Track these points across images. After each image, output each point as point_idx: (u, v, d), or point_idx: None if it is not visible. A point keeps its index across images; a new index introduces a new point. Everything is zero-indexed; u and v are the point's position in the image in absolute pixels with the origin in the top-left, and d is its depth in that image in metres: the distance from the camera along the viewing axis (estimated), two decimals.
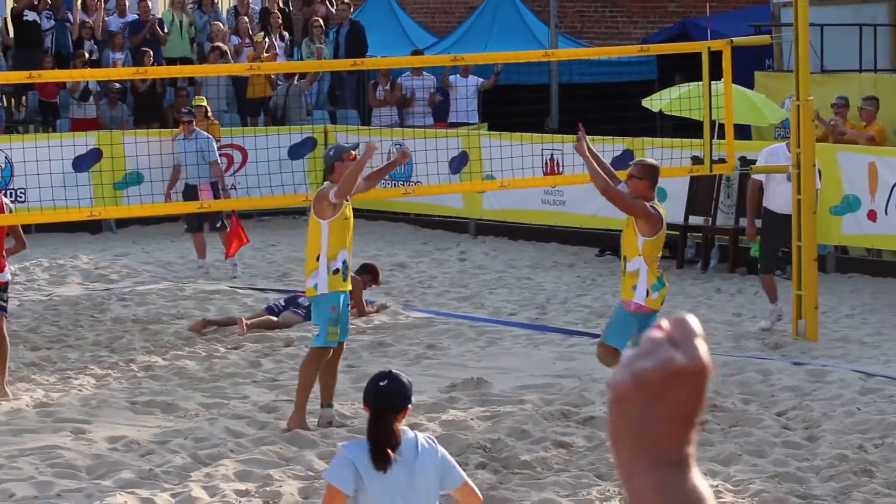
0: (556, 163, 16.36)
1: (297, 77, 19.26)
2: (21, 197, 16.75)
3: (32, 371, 10.38)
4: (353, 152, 8.67)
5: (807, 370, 9.99)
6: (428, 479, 4.77)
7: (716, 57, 11.00)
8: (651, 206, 8.42)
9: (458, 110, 19.28)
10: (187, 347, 11.13)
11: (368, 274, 12.48)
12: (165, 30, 19.90)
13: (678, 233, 15.14)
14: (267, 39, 19.88)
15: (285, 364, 10.57)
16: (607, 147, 14.70)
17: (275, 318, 11.72)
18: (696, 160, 12.56)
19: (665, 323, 1.53)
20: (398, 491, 4.73)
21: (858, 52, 17.47)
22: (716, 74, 11.09)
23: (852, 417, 8.73)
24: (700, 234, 15.09)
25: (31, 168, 14.63)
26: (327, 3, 21.03)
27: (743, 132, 16.41)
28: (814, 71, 14.17)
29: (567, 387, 9.70)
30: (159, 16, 20.56)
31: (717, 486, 7.44)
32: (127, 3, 20.43)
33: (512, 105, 19.25)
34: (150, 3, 20.21)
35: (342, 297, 8.52)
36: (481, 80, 19.54)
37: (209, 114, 17.79)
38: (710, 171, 11.30)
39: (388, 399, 4.77)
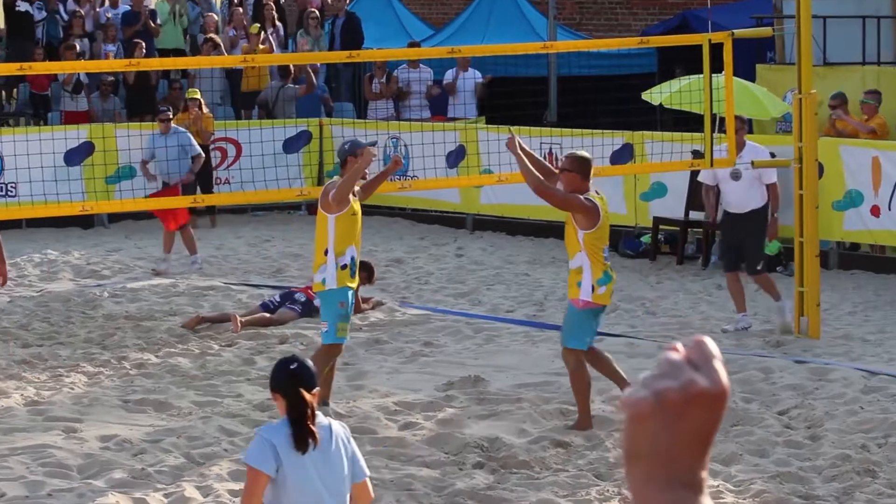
0: (554, 156, 16.21)
1: (290, 79, 19.08)
2: (12, 191, 16.59)
3: (23, 369, 10.25)
4: (371, 149, 8.58)
5: (809, 368, 9.87)
6: (342, 465, 4.91)
7: (717, 49, 10.87)
8: (586, 198, 8.28)
9: (457, 104, 19.14)
10: (180, 345, 11.00)
11: (364, 271, 12.34)
12: (158, 21, 19.74)
13: (678, 228, 15.02)
14: (263, 32, 19.72)
15: None
16: (606, 141, 14.55)
17: (269, 315, 11.58)
18: (697, 154, 12.41)
19: (683, 345, 1.56)
20: (316, 473, 4.85)
21: (861, 45, 17.34)
22: (717, 67, 10.95)
23: (855, 416, 8.61)
24: (700, 230, 14.96)
25: (21, 162, 14.47)
26: None
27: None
28: (816, 63, 14.02)
29: (565, 385, 9.55)
30: (152, 6, 20.40)
31: (718, 486, 7.33)
32: None
33: (510, 98, 19.09)
34: None
35: (350, 293, 8.43)
36: (480, 75, 19.39)
37: (203, 106, 17.64)
38: (711, 165, 11.16)
39: (302, 379, 4.88)
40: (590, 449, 8.04)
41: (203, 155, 14.75)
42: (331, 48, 19.61)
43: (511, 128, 8.77)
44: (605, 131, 14.88)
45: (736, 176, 10.95)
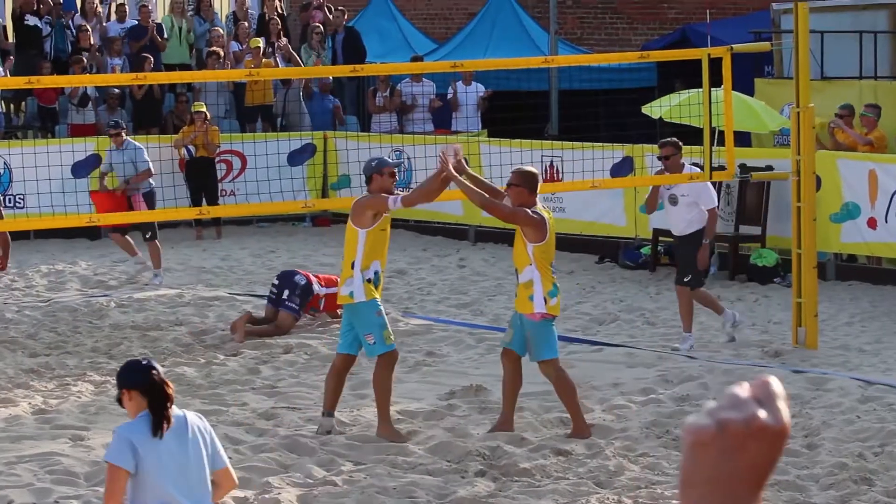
0: (555, 169, 16.35)
1: (295, 82, 19.25)
2: (20, 203, 16.73)
3: (31, 378, 10.36)
4: (394, 170, 8.69)
5: (806, 378, 9.97)
6: (200, 453, 5.12)
7: (716, 64, 10.99)
8: (533, 212, 8.41)
9: (460, 117, 19.29)
10: (186, 354, 11.12)
11: None
12: (165, 35, 19.90)
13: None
14: (269, 48, 19.88)
15: (284, 371, 10.56)
16: (607, 154, 14.69)
17: (268, 327, 11.67)
18: (696, 167, 12.54)
19: (749, 383, 1.61)
20: (174, 463, 5.07)
21: (859, 59, 17.48)
22: (716, 81, 11.08)
23: (852, 426, 8.71)
24: None
25: (29, 174, 14.63)
26: (325, 8, 21.03)
27: (743, 139, 16.41)
28: (814, 78, 14.17)
29: None
30: (158, 21, 20.56)
31: None
32: (127, 9, 20.43)
33: (512, 111, 19.25)
34: (150, 9, 20.20)
35: (379, 301, 8.52)
36: (483, 88, 19.54)
37: (208, 119, 17.79)
38: (710, 178, 11.29)
39: (153, 372, 5.16)
40: (590, 457, 8.14)
41: (151, 170, 14.67)
42: (333, 63, 19.77)
43: (454, 146, 8.65)
44: (605, 144, 15.02)
45: (673, 201, 11.02)
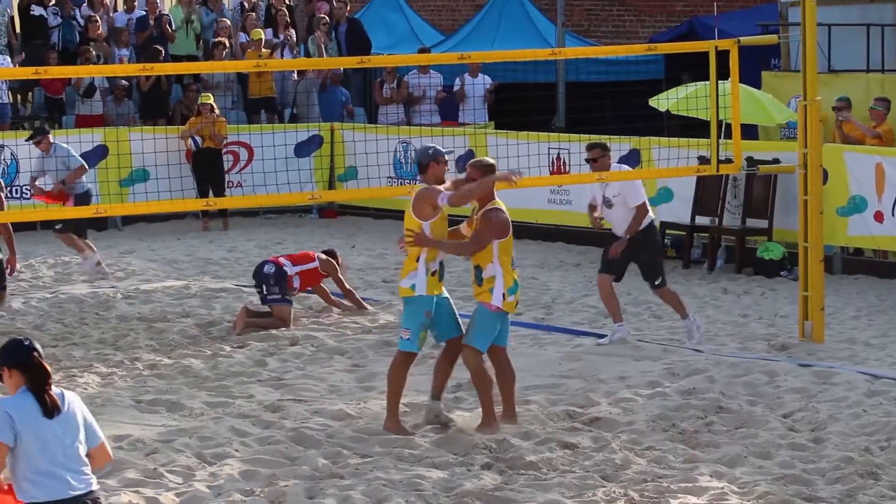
0: (562, 162, 16.35)
1: (309, 73, 19.26)
2: (27, 194, 16.75)
3: None
4: (448, 158, 8.64)
5: (813, 372, 9.97)
6: (77, 428, 5.39)
7: (723, 56, 10.98)
8: (497, 215, 8.39)
9: (467, 109, 19.28)
10: (192, 346, 11.14)
11: (333, 257, 12.45)
12: (173, 27, 19.90)
13: (685, 233, 15.13)
14: (274, 39, 19.87)
15: (290, 363, 10.57)
16: (614, 146, 14.67)
17: (268, 320, 11.67)
18: (703, 160, 12.54)
19: None
20: (54, 439, 5.32)
21: (866, 52, 17.45)
22: (723, 74, 11.07)
23: (858, 420, 8.71)
24: (707, 235, 15.07)
25: (36, 165, 14.62)
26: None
27: (750, 132, 16.39)
28: (821, 71, 14.15)
29: (573, 387, 9.70)
30: (166, 12, 20.56)
31: (722, 488, 7.44)
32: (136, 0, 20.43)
33: (519, 103, 19.25)
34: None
35: (436, 300, 8.46)
36: (490, 80, 19.53)
37: (215, 110, 17.80)
38: (717, 171, 11.28)
39: (34, 353, 5.38)
40: (596, 451, 8.15)
41: (85, 166, 14.44)
42: (338, 55, 19.78)
43: (414, 231, 8.55)
44: (612, 137, 15.01)
45: (608, 204, 11.01)
